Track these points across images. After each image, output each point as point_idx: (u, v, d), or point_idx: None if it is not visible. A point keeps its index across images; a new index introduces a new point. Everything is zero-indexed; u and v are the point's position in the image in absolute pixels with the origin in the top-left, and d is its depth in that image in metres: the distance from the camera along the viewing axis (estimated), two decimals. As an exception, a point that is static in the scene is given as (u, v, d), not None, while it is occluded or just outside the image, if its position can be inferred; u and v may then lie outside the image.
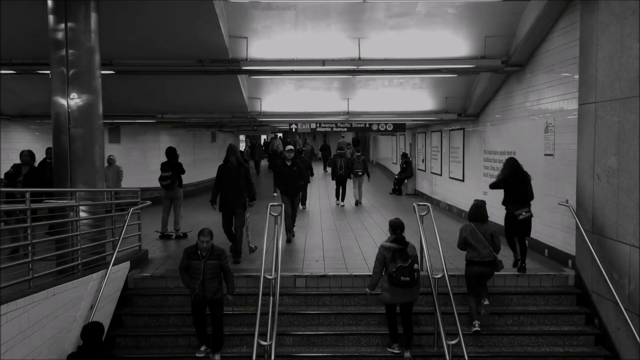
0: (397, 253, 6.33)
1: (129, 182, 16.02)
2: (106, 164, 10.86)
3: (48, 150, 9.44)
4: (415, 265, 6.36)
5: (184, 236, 10.58)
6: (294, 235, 10.27)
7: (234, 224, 8.55)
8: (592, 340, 6.84)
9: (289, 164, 10.22)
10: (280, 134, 36.66)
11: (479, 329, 6.86)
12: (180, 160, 10.86)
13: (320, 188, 20.14)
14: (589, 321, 7.05)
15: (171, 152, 10.70)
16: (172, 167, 10.56)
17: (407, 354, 6.59)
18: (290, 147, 10.66)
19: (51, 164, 9.45)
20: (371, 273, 6.73)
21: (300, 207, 15.89)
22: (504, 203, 7.88)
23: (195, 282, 6.35)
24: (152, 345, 6.95)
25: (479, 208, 7.09)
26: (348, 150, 17.28)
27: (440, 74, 10.94)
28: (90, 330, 5.35)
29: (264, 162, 30.42)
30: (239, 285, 7.55)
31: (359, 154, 16.07)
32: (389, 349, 6.74)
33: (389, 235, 6.70)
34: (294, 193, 10.23)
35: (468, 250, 6.95)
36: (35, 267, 5.73)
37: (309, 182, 10.01)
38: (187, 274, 6.44)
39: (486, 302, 6.88)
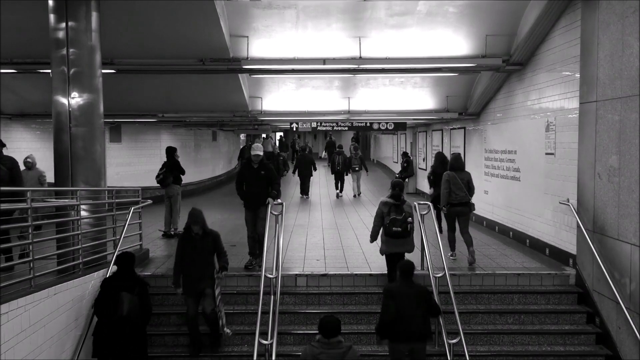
0: (393, 207, 7.06)
1: (130, 181, 16.06)
2: (23, 167, 8.61)
3: None
4: (409, 219, 7.02)
5: None
6: (258, 263, 7.82)
7: (204, 310, 6.57)
8: (593, 339, 6.84)
9: (255, 166, 7.88)
10: (280, 134, 36.62)
11: (455, 258, 8.27)
12: (181, 159, 10.88)
13: (321, 187, 20.18)
14: (589, 320, 7.04)
15: (167, 151, 10.79)
16: (168, 165, 10.59)
17: None
18: (258, 146, 8.19)
19: None
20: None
21: (304, 197, 17.25)
22: (433, 200, 9.20)
23: None
24: (153, 344, 6.94)
25: (458, 159, 8.52)
26: (352, 145, 18.62)
27: (441, 73, 10.91)
28: (123, 257, 6.12)
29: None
30: (240, 284, 7.57)
31: (356, 151, 17.74)
32: None
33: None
34: (255, 204, 7.83)
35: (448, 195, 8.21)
36: (36, 266, 5.73)
37: (280, 188, 8.10)
38: None
39: (472, 248, 8.02)
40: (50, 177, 8.35)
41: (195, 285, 6.54)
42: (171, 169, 10.61)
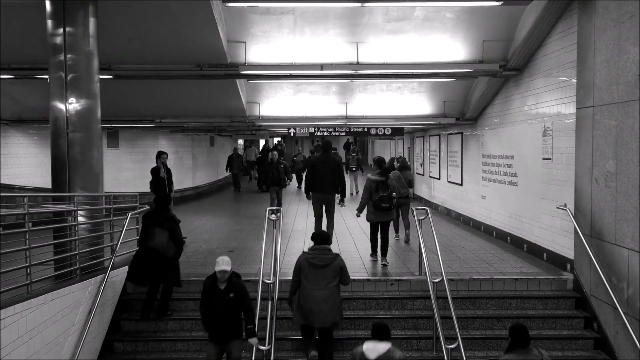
0: (380, 184, 8.14)
1: (127, 186, 16.02)
2: None
3: None
4: (394, 194, 8.26)
5: None
6: None
7: None
8: (591, 344, 6.84)
9: (222, 287, 5.77)
10: (278, 139, 36.49)
11: (398, 239, 10.39)
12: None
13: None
14: (587, 325, 7.05)
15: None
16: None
17: (383, 261, 8.27)
18: (223, 259, 5.80)
19: None
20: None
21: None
22: None
23: None
24: (150, 350, 6.93)
25: (404, 162, 11.21)
26: (352, 148, 20.63)
27: (438, 78, 10.96)
28: (159, 198, 7.36)
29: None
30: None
31: (354, 154, 20.18)
32: (370, 258, 8.59)
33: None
34: (223, 338, 5.79)
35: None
36: (34, 271, 5.71)
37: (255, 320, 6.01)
38: None
39: (408, 231, 10.17)
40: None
41: None
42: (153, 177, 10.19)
